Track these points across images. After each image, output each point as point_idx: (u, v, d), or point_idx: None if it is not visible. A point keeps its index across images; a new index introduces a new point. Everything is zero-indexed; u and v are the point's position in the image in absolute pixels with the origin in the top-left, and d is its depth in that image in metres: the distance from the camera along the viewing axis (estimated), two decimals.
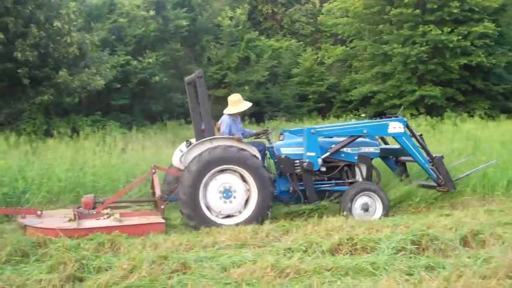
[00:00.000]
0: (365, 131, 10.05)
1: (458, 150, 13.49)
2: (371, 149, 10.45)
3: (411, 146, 10.27)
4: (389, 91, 33.27)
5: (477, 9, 32.37)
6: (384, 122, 10.24)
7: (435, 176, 10.35)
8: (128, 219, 8.86)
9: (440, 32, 31.04)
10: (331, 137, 10.32)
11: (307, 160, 9.68)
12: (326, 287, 5.52)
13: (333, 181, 10.16)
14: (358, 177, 10.31)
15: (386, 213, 9.59)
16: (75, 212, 8.88)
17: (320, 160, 9.76)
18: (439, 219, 8.22)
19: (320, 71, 37.15)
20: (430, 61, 31.96)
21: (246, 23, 33.86)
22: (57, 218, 8.95)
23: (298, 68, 36.83)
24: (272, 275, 5.88)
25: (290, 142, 10.24)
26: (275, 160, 10.11)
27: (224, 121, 10.24)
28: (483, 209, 9.56)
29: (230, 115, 10.30)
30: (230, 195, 9.15)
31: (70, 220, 8.78)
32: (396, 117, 10.46)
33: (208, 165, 9.00)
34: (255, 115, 30.39)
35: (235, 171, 9.22)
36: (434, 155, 10.45)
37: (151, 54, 27.61)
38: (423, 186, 10.80)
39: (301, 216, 9.56)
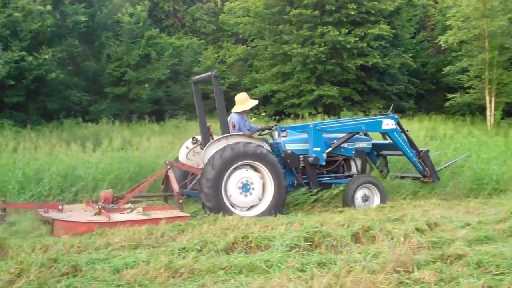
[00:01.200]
0: (363, 128, 10.98)
1: None
2: (365, 144, 11.36)
3: (401, 141, 11.18)
4: (288, 90, 33.84)
5: (373, 12, 33.53)
6: (378, 120, 11.16)
7: (421, 168, 11.30)
8: (153, 213, 9.11)
9: (338, 33, 31.91)
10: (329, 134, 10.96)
11: (314, 155, 10.39)
12: (219, 286, 5.50)
13: (332, 174, 10.97)
14: (354, 170, 11.18)
15: (383, 202, 10.41)
16: (99, 207, 9.10)
17: (324, 155, 10.51)
18: (332, 216, 8.42)
19: (221, 69, 37.23)
20: (328, 62, 32.79)
21: (147, 20, 33.33)
22: (79, 213, 9.09)
23: (200, 66, 36.70)
24: (165, 275, 5.79)
25: (294, 138, 10.88)
26: (281, 155, 10.60)
27: (234, 119, 10.70)
28: (375, 206, 9.90)
29: (238, 113, 10.79)
30: (248, 189, 9.71)
31: (96, 214, 8.92)
32: (388, 115, 11.41)
33: (231, 160, 9.50)
34: (155, 113, 30.00)
35: (251, 166, 9.75)
36: (420, 149, 11.34)
37: (47, 50, 26.57)
38: (405, 177, 11.74)
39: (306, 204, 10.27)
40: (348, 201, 10.29)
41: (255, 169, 9.83)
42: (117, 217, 8.77)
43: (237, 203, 9.66)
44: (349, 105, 32.87)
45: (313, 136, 10.51)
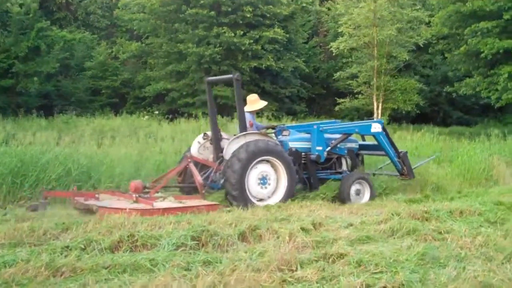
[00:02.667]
0: (356, 130, 12.33)
1: None
2: (354, 145, 12.63)
3: (385, 143, 12.56)
4: (182, 89, 33.69)
5: (268, 15, 34.08)
6: (368, 123, 12.49)
7: (400, 167, 12.78)
8: (186, 202, 9.80)
9: (233, 34, 32.15)
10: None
11: (317, 153, 11.50)
12: (102, 285, 5.37)
13: (328, 171, 12.09)
14: (344, 167, 12.38)
15: (373, 197, 11.62)
16: (135, 196, 9.65)
17: (325, 153, 11.72)
18: (220, 215, 8.44)
19: (114, 65, 36.49)
20: (222, 62, 32.96)
21: (38, 11, 32.02)
22: (116, 201, 9.70)
23: (92, 61, 35.78)
24: (46, 274, 5.58)
25: (297, 137, 11.86)
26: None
27: (246, 118, 11.35)
28: (262, 206, 10.06)
29: (249, 112, 11.67)
30: (266, 182, 10.66)
31: (133, 203, 9.44)
32: (375, 119, 12.93)
33: (254, 155, 10.42)
34: (44, 108, 28.88)
35: (267, 161, 10.69)
36: (400, 151, 12.83)
37: None
38: (385, 175, 13.11)
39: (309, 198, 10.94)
40: (344, 196, 11.37)
41: (271, 164, 10.77)
42: (160, 204, 9.42)
43: (255, 194, 10.55)
44: None
45: (316, 136, 11.65)
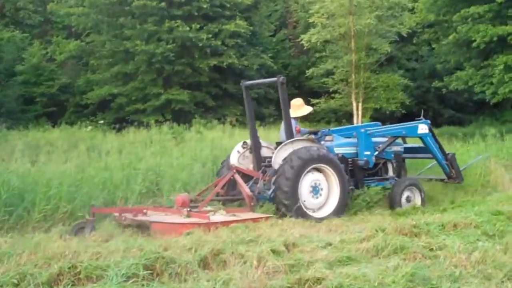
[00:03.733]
0: (404, 132, 13.49)
1: (201, 160, 14.45)
2: (399, 148, 13.69)
3: (433, 145, 13.74)
4: (131, 94, 33.52)
5: (228, 6, 34.18)
6: (415, 125, 13.61)
7: (448, 170, 13.97)
8: (239, 214, 10.84)
9: (188, 28, 32.14)
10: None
11: (365, 158, 12.56)
12: None
13: (375, 177, 13.13)
14: (391, 173, 13.45)
15: (423, 203, 12.75)
16: (186, 210, 10.63)
17: (373, 158, 12.79)
18: (177, 239, 8.41)
19: (50, 69, 36.18)
20: (177, 61, 32.90)
21: None
22: (166, 216, 10.72)
23: (23, 64, 35.41)
24: None
25: (342, 142, 12.84)
26: None
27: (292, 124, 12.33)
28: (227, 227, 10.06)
29: (294, 118, 12.69)
30: (317, 191, 11.53)
31: (187, 216, 10.43)
32: (421, 119, 13.80)
33: (306, 162, 11.32)
34: None
35: (318, 169, 11.60)
36: (447, 153, 14.05)
37: None
38: (432, 180, 14.38)
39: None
40: (395, 202, 12.46)
41: (322, 173, 11.68)
42: (216, 218, 10.40)
43: (307, 205, 11.37)
44: (202, 112, 33.17)
45: (364, 140, 12.69)
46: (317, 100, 33.95)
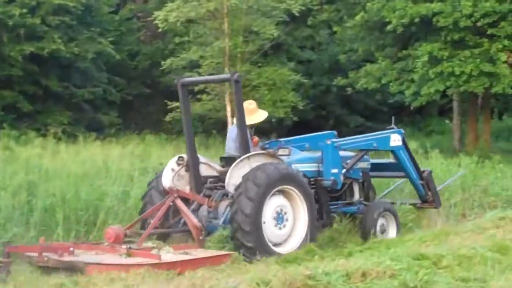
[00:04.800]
0: (375, 145, 14.57)
1: (11, 188, 14.31)
2: (366, 164, 14.78)
3: (406, 160, 14.88)
4: None
5: None
6: (386, 135, 14.73)
7: (424, 192, 15.12)
8: (192, 252, 11.78)
9: None
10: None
11: (332, 177, 13.50)
12: None
13: (339, 202, 14.21)
14: (357, 195, 14.58)
15: (399, 234, 14.07)
16: (126, 247, 11.37)
17: (342, 177, 13.78)
18: None
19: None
20: None
21: None
22: (102, 255, 11.43)
23: None
24: None
25: (301, 157, 13.97)
26: None
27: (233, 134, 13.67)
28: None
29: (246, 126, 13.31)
30: (282, 220, 12.57)
31: (128, 255, 11.20)
32: (393, 129, 14.98)
33: (268, 187, 12.18)
34: None
35: (282, 192, 12.60)
36: (423, 170, 15.12)
37: None
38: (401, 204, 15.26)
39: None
40: (369, 234, 13.67)
41: (286, 196, 12.69)
42: (168, 257, 11.19)
43: (270, 237, 12.33)
44: (12, 119, 32.32)
45: (331, 155, 13.66)
46: (176, 104, 33.82)
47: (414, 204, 15.51)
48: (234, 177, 12.44)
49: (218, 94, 33.49)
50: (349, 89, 36.71)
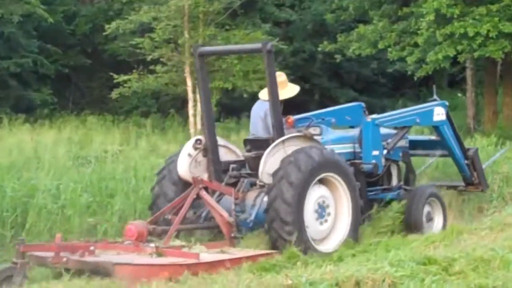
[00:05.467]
0: (417, 120, 15.59)
1: None
2: (405, 143, 15.65)
3: (450, 137, 15.85)
4: None
5: None
6: (430, 108, 15.71)
7: (469, 173, 16.16)
8: (229, 250, 12.53)
9: None
10: None
11: (373, 161, 14.34)
12: None
13: (377, 187, 15.07)
14: (395, 180, 15.49)
15: (445, 224, 15.13)
16: (154, 245, 12.06)
17: (383, 160, 14.66)
18: None
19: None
20: None
21: None
22: (128, 255, 11.99)
23: None
24: None
25: (336, 137, 14.78)
26: None
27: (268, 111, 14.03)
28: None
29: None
30: (323, 214, 13.26)
31: (157, 255, 11.85)
32: (435, 101, 16.16)
33: (311, 174, 12.85)
34: None
35: (321, 182, 13.25)
36: (467, 148, 16.25)
37: None
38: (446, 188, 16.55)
39: None
40: (417, 224, 14.58)
41: (328, 186, 13.41)
42: (206, 257, 11.86)
43: (312, 234, 13.01)
44: None
45: (372, 135, 14.47)
46: (125, 77, 33.77)
47: (455, 187, 16.64)
48: (268, 164, 13.05)
49: (176, 65, 33.43)
50: (338, 57, 36.68)
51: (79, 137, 24.73)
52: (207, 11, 32.77)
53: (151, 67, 33.89)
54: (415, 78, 34.77)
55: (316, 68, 42.96)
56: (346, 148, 14.52)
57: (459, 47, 30.32)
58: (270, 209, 12.64)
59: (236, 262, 11.67)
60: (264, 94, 14.61)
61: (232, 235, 12.77)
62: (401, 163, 15.75)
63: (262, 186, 13.31)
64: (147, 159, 19.52)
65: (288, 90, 14.61)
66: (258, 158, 13.48)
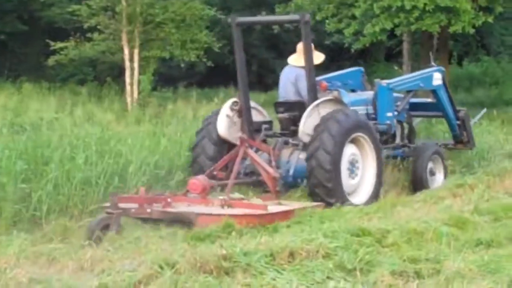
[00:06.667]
0: (421, 85, 17.31)
1: None
2: (407, 105, 17.12)
3: (446, 100, 17.59)
4: None
5: None
6: (429, 73, 17.40)
7: (459, 132, 17.79)
8: (286, 203, 13.84)
9: None
10: None
11: (387, 121, 15.96)
12: None
13: (385, 145, 16.13)
14: (398, 138, 16.82)
15: (445, 177, 16.91)
16: (225, 198, 13.28)
17: (395, 121, 16.35)
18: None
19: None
20: None
21: None
22: (203, 207, 13.35)
23: None
24: None
25: (354, 99, 16.10)
26: None
27: (303, 77, 15.34)
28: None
29: (303, 67, 15.33)
30: (354, 169, 14.78)
31: (226, 207, 13.10)
32: (433, 67, 18.12)
33: (343, 138, 14.24)
34: None
35: (352, 141, 14.74)
36: (458, 109, 17.84)
37: None
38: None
39: None
40: (423, 179, 16.28)
41: (357, 145, 14.89)
42: (274, 208, 13.24)
43: (346, 188, 14.46)
44: None
45: (385, 98, 16.11)
46: (61, 44, 33.55)
47: (446, 145, 18.13)
48: (306, 125, 14.43)
49: (113, 32, 33.27)
50: (275, 27, 36.66)
51: (14, 104, 24.55)
52: None
53: (88, 34, 33.72)
54: (352, 51, 34.95)
55: (254, 38, 42.99)
56: (361, 110, 15.74)
57: (396, 20, 30.54)
58: (311, 158, 14.05)
59: (298, 212, 13.11)
60: (292, 59, 16.16)
61: (277, 188, 14.15)
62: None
63: (294, 145, 14.96)
64: (83, 127, 19.44)
65: (316, 56, 15.61)
66: (290, 119, 15.27)
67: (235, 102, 15.39)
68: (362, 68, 18.11)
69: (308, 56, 14.94)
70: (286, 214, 13.05)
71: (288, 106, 15.59)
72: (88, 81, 36.64)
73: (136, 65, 32.34)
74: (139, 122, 24.02)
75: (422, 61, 35.91)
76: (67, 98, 29.75)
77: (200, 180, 13.58)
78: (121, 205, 12.69)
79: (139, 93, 31.77)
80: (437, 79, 17.32)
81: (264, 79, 43.20)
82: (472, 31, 31.49)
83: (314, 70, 15.13)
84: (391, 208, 13.86)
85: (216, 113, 15.52)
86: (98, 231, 11.84)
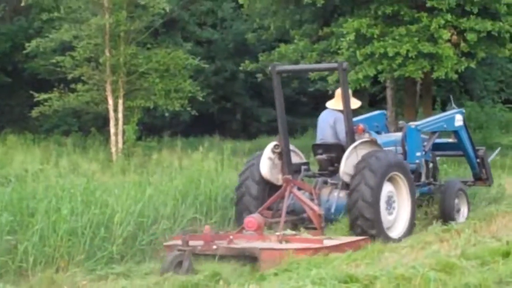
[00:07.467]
0: (445, 126, 18.39)
1: None
2: (431, 146, 18.23)
3: (466, 140, 18.74)
4: None
5: None
6: (452, 115, 18.73)
7: (478, 170, 18.97)
8: (335, 238, 14.73)
9: None
10: None
11: (417, 161, 17.18)
12: None
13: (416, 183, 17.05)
14: (423, 176, 17.77)
15: (468, 213, 18.10)
16: (281, 234, 14.43)
17: (423, 161, 17.57)
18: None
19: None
20: None
21: None
22: (259, 243, 14.34)
23: None
24: None
25: (383, 141, 16.69)
26: None
27: (340, 120, 16.56)
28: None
29: (341, 111, 16.50)
30: (391, 206, 15.70)
31: (287, 242, 14.22)
32: (455, 109, 19.30)
33: (383, 174, 15.31)
34: None
35: (389, 180, 15.70)
36: (477, 148, 19.04)
37: None
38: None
39: None
40: (450, 213, 17.32)
41: (393, 183, 15.84)
42: (329, 242, 14.21)
43: (384, 223, 15.41)
44: None
45: (415, 139, 17.36)
46: (46, 95, 33.47)
47: (465, 182, 19.00)
48: (347, 165, 15.39)
49: (97, 83, 33.22)
50: (259, 76, 36.66)
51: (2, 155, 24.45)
52: (128, 30, 32.62)
53: (72, 85, 33.66)
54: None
55: (238, 87, 43.05)
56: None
57: (379, 67, 30.66)
58: (353, 192, 15.08)
59: (351, 245, 14.05)
60: (331, 104, 17.29)
61: (322, 225, 15.13)
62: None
63: (333, 184, 16.01)
64: (68, 178, 19.39)
65: (353, 102, 16.76)
66: (328, 160, 16.39)
67: (276, 145, 16.30)
68: (385, 111, 19.91)
69: (346, 101, 16.00)
70: (339, 247, 13.90)
71: (326, 147, 16.59)
72: (73, 132, 36.61)
73: (120, 115, 32.26)
74: (124, 172, 23.91)
75: (405, 107, 36.07)
76: (51, 149, 29.66)
77: (256, 218, 14.69)
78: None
79: (123, 143, 31.68)
80: (458, 120, 18.54)
81: (249, 127, 43.23)
82: (455, 76, 31.65)
83: (351, 115, 16.24)
84: (378, 254, 13.69)
85: (258, 155, 16.49)
86: (172, 269, 12.84)
